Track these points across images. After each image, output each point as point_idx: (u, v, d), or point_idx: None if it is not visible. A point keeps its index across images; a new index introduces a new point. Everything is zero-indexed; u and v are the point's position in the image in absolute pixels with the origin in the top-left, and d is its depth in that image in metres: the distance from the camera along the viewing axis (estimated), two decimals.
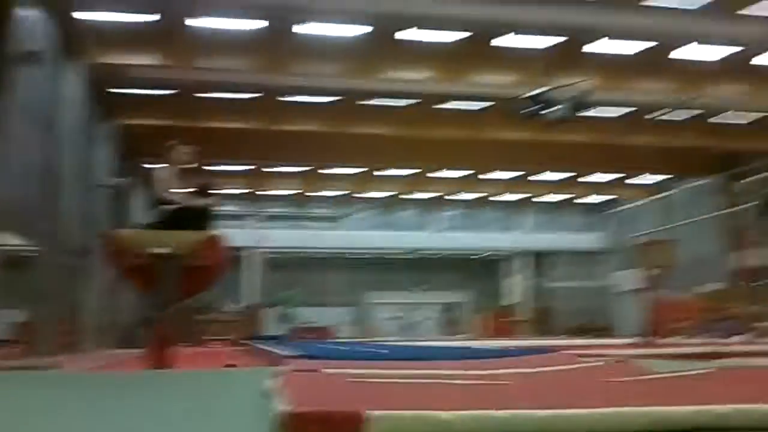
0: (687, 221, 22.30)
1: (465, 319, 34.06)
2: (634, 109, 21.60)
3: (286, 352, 6.40)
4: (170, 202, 5.67)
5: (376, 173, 28.75)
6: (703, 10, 15.34)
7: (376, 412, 1.69)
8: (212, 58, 16.43)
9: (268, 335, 25.25)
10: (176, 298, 5.48)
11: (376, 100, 20.96)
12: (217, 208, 6.17)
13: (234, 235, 27.90)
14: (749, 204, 10.82)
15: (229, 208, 32.63)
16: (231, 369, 5.72)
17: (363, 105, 20.97)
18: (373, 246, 33.44)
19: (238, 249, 30.24)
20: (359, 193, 32.42)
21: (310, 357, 4.64)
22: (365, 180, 29.91)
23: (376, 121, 21.33)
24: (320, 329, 26.93)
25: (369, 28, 16.29)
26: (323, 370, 3.17)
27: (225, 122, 20.58)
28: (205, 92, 19.98)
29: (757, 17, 15.44)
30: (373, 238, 33.41)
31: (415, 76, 17.59)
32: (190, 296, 6.07)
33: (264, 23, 15.76)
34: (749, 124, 21.76)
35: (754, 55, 17.71)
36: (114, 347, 20.22)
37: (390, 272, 34.21)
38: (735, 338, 14.66)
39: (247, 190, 31.60)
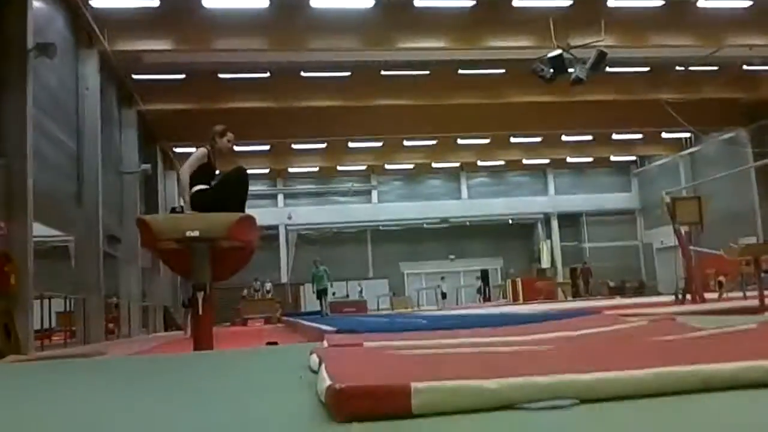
0: (719, 175, 21.92)
1: (501, 285, 34.01)
2: (657, 64, 21.20)
3: (326, 327, 6.44)
4: (183, 183, 5.69)
5: (403, 143, 28.68)
6: None
7: (421, 384, 1.68)
8: (227, 39, 16.46)
9: (306, 311, 25.51)
10: (212, 279, 5.53)
11: (395, 71, 20.87)
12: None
13: (264, 214, 28.30)
14: None
15: (257, 187, 32.90)
16: (273, 346, 5.77)
17: (382, 76, 20.90)
18: (404, 217, 33.49)
19: (269, 228, 30.53)
20: (386, 164, 32.41)
21: (350, 331, 4.66)
22: (391, 151, 29.85)
23: (397, 91, 21.25)
24: (357, 303, 27.12)
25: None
26: (365, 344, 3.17)
27: (245, 102, 20.66)
28: (223, 73, 20.05)
29: None
30: (403, 209, 33.47)
31: (433, 44, 17.43)
32: (226, 277, 6.12)
33: (275, 0, 15.71)
34: None
35: None
36: (156, 331, 20.62)
37: (423, 242, 34.28)
38: None
39: (272, 169, 31.76)
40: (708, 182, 22.47)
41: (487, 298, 33.25)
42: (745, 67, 20.34)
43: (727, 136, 26.97)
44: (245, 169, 6.10)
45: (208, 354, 4.84)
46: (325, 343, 3.46)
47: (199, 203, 5.60)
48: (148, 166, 19.74)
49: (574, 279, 31.45)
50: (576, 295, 29.56)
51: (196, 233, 5.20)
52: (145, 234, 5.28)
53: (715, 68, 21.32)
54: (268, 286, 27.33)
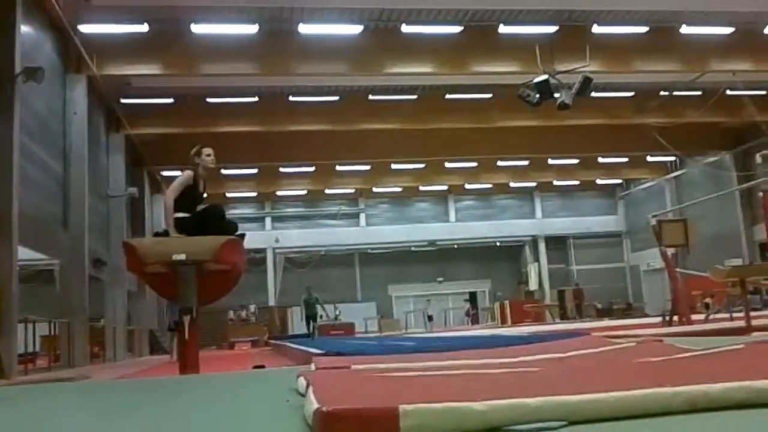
0: (704, 198, 22.15)
1: (489, 307, 34.01)
2: (642, 89, 21.50)
3: (313, 350, 6.41)
4: (169, 207, 5.68)
5: (391, 167, 28.79)
6: None
7: (409, 406, 1.67)
8: (216, 63, 16.54)
9: (294, 334, 25.35)
10: (199, 303, 5.50)
11: (383, 95, 21.07)
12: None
13: (251, 237, 28.21)
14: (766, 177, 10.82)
15: (245, 210, 32.87)
16: (260, 370, 5.73)
17: (370, 101, 21.08)
18: (392, 240, 33.50)
19: (256, 251, 30.45)
20: (374, 187, 32.49)
21: (338, 354, 4.64)
22: (379, 175, 29.96)
23: (385, 116, 21.42)
24: (345, 325, 26.97)
25: (370, 25, 16.39)
26: (353, 367, 3.16)
27: (233, 126, 20.72)
28: (211, 98, 20.12)
29: None
30: (391, 232, 33.49)
31: (419, 70, 17.61)
32: (212, 300, 6.09)
33: (264, 26, 15.87)
34: (760, 97, 21.57)
35: (760, 28, 17.63)
36: (141, 354, 20.42)
37: (411, 265, 34.25)
38: (761, 312, 14.53)
39: (260, 192, 31.77)
40: (693, 205, 22.69)
41: (475, 321, 33.21)
42: (728, 92, 20.62)
43: (711, 159, 27.26)
44: (221, 208, 6.06)
45: (194, 378, 4.80)
46: (313, 366, 3.44)
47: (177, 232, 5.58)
48: (134, 189, 19.70)
49: (562, 301, 31.50)
50: (564, 317, 29.58)
51: (183, 257, 5.18)
52: (131, 258, 5.25)
53: (699, 93, 21.61)
54: (252, 308, 27.13)
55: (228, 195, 30.57)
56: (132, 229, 21.16)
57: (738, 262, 22.04)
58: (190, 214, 5.69)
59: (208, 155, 6.05)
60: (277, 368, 6.02)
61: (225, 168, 26.05)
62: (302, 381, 2.46)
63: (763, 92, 21.80)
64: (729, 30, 17.65)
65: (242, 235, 5.78)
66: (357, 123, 21.48)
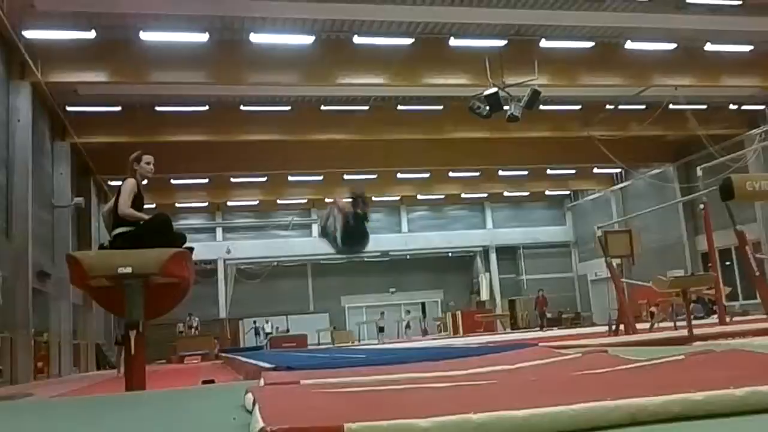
0: (649, 209, 22.75)
1: (442, 318, 34.18)
2: (588, 102, 22.00)
3: (264, 364, 6.34)
4: (132, 216, 5.56)
5: (344, 177, 28.75)
6: (650, 3, 15.67)
7: (354, 425, 1.68)
8: (165, 71, 16.32)
9: (246, 347, 25.06)
10: (146, 317, 5.40)
11: (335, 105, 21.09)
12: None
13: (202, 248, 27.84)
14: (708, 189, 11.19)
15: (195, 221, 32.45)
16: (209, 385, 5.64)
17: (323, 111, 21.07)
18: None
19: (207, 262, 30.06)
20: (327, 198, 32.37)
21: (288, 368, 4.60)
22: (332, 185, 29.85)
23: (337, 126, 21.43)
24: (297, 337, 26.79)
25: (322, 35, 16.42)
26: (302, 381, 3.14)
27: (183, 135, 20.46)
28: (161, 106, 19.83)
29: (702, 5, 15.83)
30: None
31: (371, 81, 17.70)
32: (160, 314, 5.98)
33: (215, 35, 15.75)
34: (701, 111, 22.27)
35: (700, 44, 18.24)
36: (88, 369, 19.90)
37: (363, 276, 34.20)
38: (704, 320, 14.95)
39: (211, 203, 31.38)
40: (639, 216, 23.23)
41: (427, 330, 33.33)
42: (671, 106, 21.22)
43: (655, 171, 27.99)
44: (168, 218, 5.94)
45: (140, 394, 4.70)
46: (262, 381, 3.41)
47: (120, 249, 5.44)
48: (81, 199, 19.25)
49: (513, 311, 31.89)
50: (514, 326, 29.95)
51: (129, 270, 5.08)
52: (76, 271, 5.13)
53: (643, 107, 22.19)
54: (195, 322, 26.55)
55: (178, 205, 30.12)
56: (78, 240, 20.66)
57: (681, 272, 22.64)
58: (136, 226, 5.58)
59: (148, 163, 5.93)
60: (226, 383, 5.94)
61: (175, 178, 25.68)
62: (249, 397, 2.44)
63: (704, 106, 22.50)
64: (671, 46, 18.21)
65: (191, 248, 5.69)
66: (309, 133, 21.43)
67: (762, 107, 22.90)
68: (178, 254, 5.27)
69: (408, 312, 33.73)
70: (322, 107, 21.08)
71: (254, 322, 31.32)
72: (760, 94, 21.78)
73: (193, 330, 26.23)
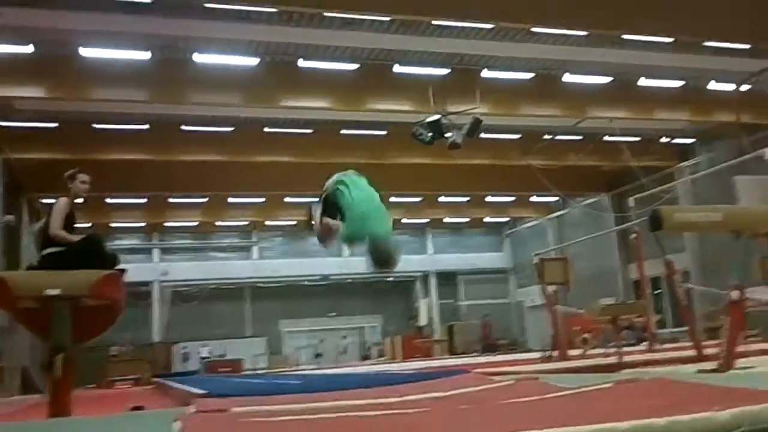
0: (584, 238, 23.34)
1: (379, 343, 34.16)
2: (528, 132, 22.52)
3: (196, 390, 6.21)
4: (63, 239, 5.40)
5: (284, 200, 28.60)
6: (587, 38, 16.19)
7: None
8: (105, 89, 15.99)
9: (180, 372, 24.45)
10: (74, 340, 5.22)
11: (278, 128, 21.03)
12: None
13: (137, 269, 27.18)
14: (639, 219, 11.59)
15: (131, 241, 31.72)
16: (138, 412, 5.49)
17: (265, 133, 20.97)
18: (284, 274, 33.11)
19: (142, 284, 29.36)
20: (268, 220, 32.11)
21: (220, 395, 4.51)
22: (273, 208, 29.68)
23: (280, 148, 21.35)
24: (233, 362, 26.30)
25: (266, 58, 16.41)
26: (233, 409, 3.09)
27: (121, 154, 20.04)
28: (99, 123, 19.41)
29: (637, 42, 16.44)
30: (282, 266, 33.11)
31: (315, 105, 17.74)
32: (90, 337, 5.80)
33: (157, 53, 15.56)
34: (635, 143, 23.04)
35: (634, 79, 18.94)
36: (12, 393, 19.05)
37: (303, 299, 33.90)
38: (635, 347, 15.32)
39: (148, 223, 30.72)
40: (574, 244, 23.80)
41: (366, 356, 33.23)
42: (606, 137, 21.88)
43: (590, 201, 28.75)
44: (100, 239, 5.80)
45: (62, 421, 4.54)
46: (192, 409, 3.33)
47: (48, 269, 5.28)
48: (11, 217, 18.60)
49: (451, 336, 32.10)
50: (451, 352, 30.13)
51: (57, 291, 4.92)
52: (1, 291, 4.94)
53: (580, 137, 22.82)
54: (123, 347, 25.50)
55: (113, 225, 29.39)
56: (7, 259, 19.90)
57: (613, 299, 23.21)
58: (66, 246, 5.42)
59: (84, 182, 5.79)
60: (156, 410, 5.79)
61: (111, 197, 25.09)
62: (177, 426, 2.39)
63: (638, 139, 23.27)
64: (607, 79, 18.84)
65: (123, 270, 5.55)
66: (251, 155, 21.26)
67: (692, 141, 23.85)
68: (110, 276, 5.14)
69: (344, 337, 33.61)
70: (265, 129, 20.98)
71: (183, 347, 30.55)
72: (690, 128, 22.71)
73: (137, 352, 25.33)
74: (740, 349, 7.63)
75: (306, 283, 33.96)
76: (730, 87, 19.01)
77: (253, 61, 16.38)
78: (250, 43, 15.99)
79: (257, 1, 13.05)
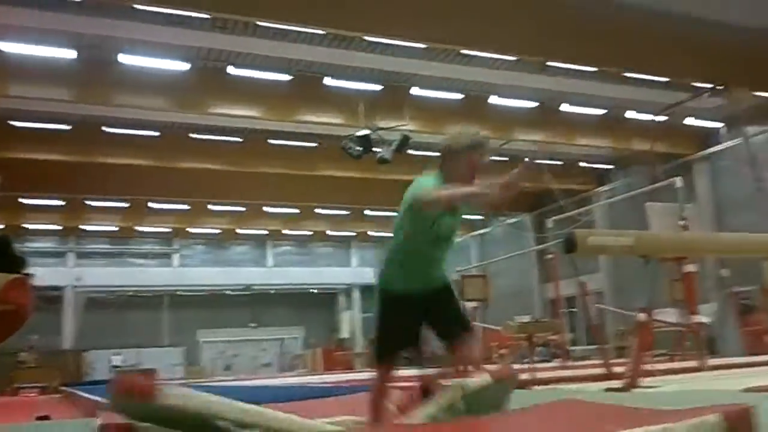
0: (505, 256, 23.86)
1: (301, 354, 33.92)
2: None
3: (103, 401, 6.03)
4: None
5: (208, 207, 28.14)
6: (513, 63, 16.65)
7: None
8: (25, 86, 15.41)
9: (91, 380, 23.60)
10: None
11: (205, 134, 20.74)
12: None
13: (50, 273, 26.18)
14: (557, 240, 12.00)
15: (44, 244, 30.57)
16: (43, 422, 5.31)
17: (192, 139, 20.63)
18: (205, 283, 32.54)
19: (54, 288, 28.30)
20: (190, 228, 31.51)
21: None
22: (195, 215, 29.16)
23: (206, 155, 21.04)
24: (147, 372, 25.59)
25: (197, 63, 16.20)
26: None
27: (39, 153, 19.30)
28: (16, 121, 18.68)
29: (560, 68, 17.02)
30: (204, 275, 32.55)
31: (244, 113, 17.59)
32: None
33: (83, 52, 15.14)
34: (558, 166, 23.79)
35: (558, 105, 19.59)
36: None
37: (223, 309, 33.38)
38: (549, 364, 15.75)
39: (64, 226, 29.66)
40: (496, 262, 24.30)
41: (286, 367, 32.94)
42: (527, 159, 22.48)
43: (513, 220, 29.43)
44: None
45: None
46: (99, 421, 3.25)
47: None
48: None
49: (371, 349, 32.11)
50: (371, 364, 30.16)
51: None
52: None
53: (506, 159, 23.38)
54: (24, 354, 24.40)
55: (27, 226, 28.24)
56: None
57: (529, 317, 23.77)
58: None
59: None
60: (62, 420, 5.61)
61: (25, 197, 24.14)
62: None
63: (560, 162, 24.02)
64: (533, 104, 19.41)
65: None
66: (176, 161, 20.86)
67: (611, 166, 24.82)
68: (16, 280, 4.96)
69: (264, 349, 33.27)
70: (192, 135, 20.64)
71: (95, 355, 29.48)
72: (609, 154, 23.60)
73: (46, 359, 24.26)
74: (648, 367, 7.99)
75: (228, 292, 33.46)
76: (648, 117, 19.91)
77: (183, 65, 16.12)
78: (180, 47, 15.73)
79: (188, 5, 12.87)
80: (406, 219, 3.58)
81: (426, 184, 3.59)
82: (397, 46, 15.42)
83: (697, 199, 19.68)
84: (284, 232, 33.04)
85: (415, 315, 3.48)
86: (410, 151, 18.55)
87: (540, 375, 9.05)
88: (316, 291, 35.65)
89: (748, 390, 5.56)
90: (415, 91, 18.12)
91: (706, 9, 14.19)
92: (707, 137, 21.42)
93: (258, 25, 14.44)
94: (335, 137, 18.54)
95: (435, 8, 12.95)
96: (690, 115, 20.29)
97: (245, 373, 29.36)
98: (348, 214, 30.70)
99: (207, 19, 14.11)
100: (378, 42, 15.30)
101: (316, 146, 21.65)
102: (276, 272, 34.18)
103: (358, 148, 17.10)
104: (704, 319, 11.12)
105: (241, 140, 21.24)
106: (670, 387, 6.91)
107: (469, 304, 12.89)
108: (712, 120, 20.70)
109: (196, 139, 20.75)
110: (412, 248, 3.46)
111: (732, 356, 14.09)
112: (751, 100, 18.46)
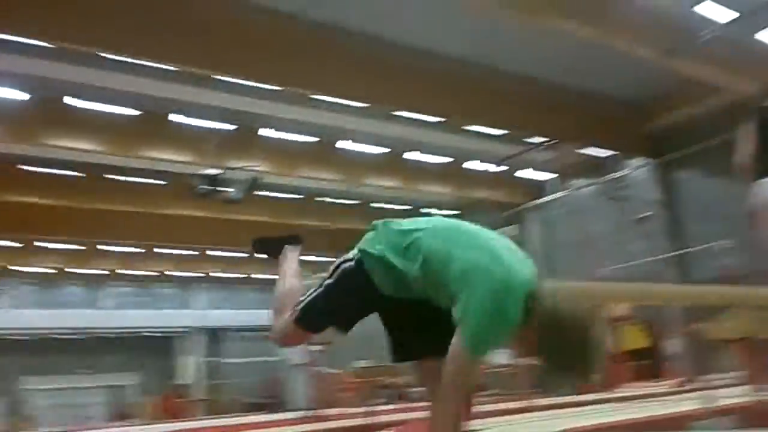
0: None
1: (135, 402, 32.09)
2: (305, 193, 23.15)
3: None
4: None
5: (36, 244, 26.23)
6: (363, 109, 17.16)
7: None
8: None
9: None
10: None
11: (36, 167, 19.45)
12: None
13: None
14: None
15: None
16: None
17: (19, 171, 19.28)
18: (32, 326, 30.12)
19: None
20: (15, 267, 29.14)
21: None
22: (22, 253, 27.06)
23: (36, 189, 19.68)
24: None
25: (33, 93, 15.31)
26: None
27: None
28: None
29: (406, 118, 17.78)
30: (31, 317, 30.14)
31: (84, 146, 16.75)
32: None
33: None
34: (406, 210, 24.59)
35: (404, 152, 20.39)
36: None
37: (52, 354, 30.96)
38: (390, 406, 15.96)
39: None
40: None
41: (119, 416, 31.00)
42: (375, 204, 23.10)
43: None
44: None
45: None
46: None
47: None
48: None
49: (212, 395, 31.19)
50: (212, 411, 29.23)
51: None
52: None
53: (357, 201, 23.86)
54: None
55: None
56: None
57: (372, 361, 24.04)
58: None
59: None
60: None
61: None
62: None
63: (409, 207, 24.81)
64: (382, 150, 20.01)
65: None
66: (3, 194, 19.35)
67: (458, 212, 26.01)
68: None
69: (97, 397, 31.29)
70: (21, 167, 19.28)
71: None
72: (454, 200, 24.72)
73: None
74: (480, 409, 8.27)
75: (57, 336, 31.17)
76: (490, 167, 21.19)
77: (22, 95, 15.16)
78: (19, 75, 14.77)
79: (31, 34, 12.16)
80: (430, 278, 2.83)
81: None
82: (247, 86, 15.41)
83: (530, 244, 21.07)
84: (122, 272, 31.37)
85: (377, 306, 3.07)
86: (261, 192, 18.45)
87: (382, 418, 9.16)
88: (154, 335, 33.99)
89: None
90: (266, 132, 18.13)
91: (544, 70, 15.53)
92: (539, 188, 23.05)
93: (106, 58, 13.88)
94: (182, 175, 18.08)
95: (286, 51, 13.16)
96: (527, 167, 21.81)
97: (76, 423, 27.33)
98: (194, 254, 29.77)
99: (51, 48, 13.34)
100: (227, 81, 15.21)
101: (161, 184, 20.96)
102: (112, 315, 32.32)
103: (205, 187, 16.77)
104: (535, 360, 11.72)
105: (81, 175, 20.12)
106: (493, 430, 6.95)
107: (313, 348, 12.88)
108: (543, 171, 22.32)
109: (25, 171, 19.40)
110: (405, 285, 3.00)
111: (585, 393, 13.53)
112: (577, 156, 20.27)
